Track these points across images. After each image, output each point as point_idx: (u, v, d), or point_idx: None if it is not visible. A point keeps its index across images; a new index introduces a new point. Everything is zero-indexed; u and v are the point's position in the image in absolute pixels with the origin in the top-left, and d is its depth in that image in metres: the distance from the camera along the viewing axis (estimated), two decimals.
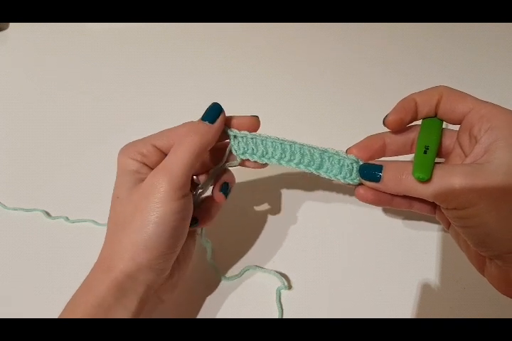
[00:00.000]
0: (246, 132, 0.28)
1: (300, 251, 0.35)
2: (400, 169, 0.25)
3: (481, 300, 0.31)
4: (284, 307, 0.32)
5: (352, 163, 0.28)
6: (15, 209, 0.39)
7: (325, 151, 0.28)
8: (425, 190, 0.24)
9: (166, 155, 0.27)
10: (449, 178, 0.23)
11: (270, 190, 0.39)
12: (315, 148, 0.28)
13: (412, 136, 0.28)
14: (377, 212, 0.37)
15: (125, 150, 0.28)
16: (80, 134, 0.45)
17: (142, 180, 0.26)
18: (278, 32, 0.57)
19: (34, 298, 0.33)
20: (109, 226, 0.27)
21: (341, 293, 0.32)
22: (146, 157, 0.27)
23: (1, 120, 0.48)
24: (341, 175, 0.28)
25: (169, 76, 0.52)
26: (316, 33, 0.56)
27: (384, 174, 0.25)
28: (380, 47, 0.54)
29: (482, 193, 0.22)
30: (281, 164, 0.28)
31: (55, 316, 0.25)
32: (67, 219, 0.38)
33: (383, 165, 0.26)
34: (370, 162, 0.27)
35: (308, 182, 0.39)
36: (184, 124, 0.28)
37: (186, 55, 0.54)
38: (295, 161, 0.28)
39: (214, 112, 0.27)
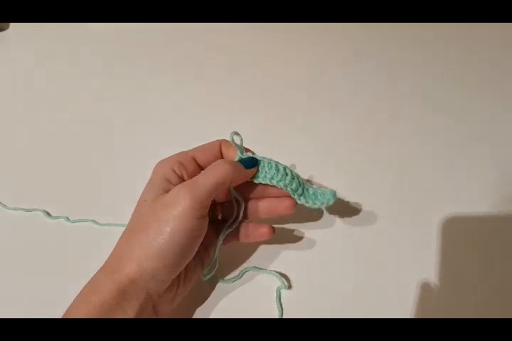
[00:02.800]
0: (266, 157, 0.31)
1: (299, 251, 0.35)
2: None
3: (480, 300, 0.31)
4: (284, 307, 0.32)
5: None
6: (15, 209, 0.39)
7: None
8: None
9: (200, 168, 0.30)
10: None
11: None
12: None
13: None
14: (377, 211, 0.37)
15: (165, 161, 0.30)
16: (81, 134, 0.45)
17: (169, 190, 0.27)
18: (286, 33, 0.57)
19: (34, 297, 0.33)
20: (127, 228, 0.28)
21: (341, 293, 0.32)
22: (184, 167, 0.29)
23: (2, 120, 0.48)
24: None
25: (172, 76, 0.51)
26: (323, 35, 0.56)
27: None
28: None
29: None
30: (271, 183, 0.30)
31: (55, 316, 0.25)
32: (67, 219, 0.38)
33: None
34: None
35: None
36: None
37: (190, 54, 0.54)
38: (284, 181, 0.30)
39: (251, 163, 0.30)
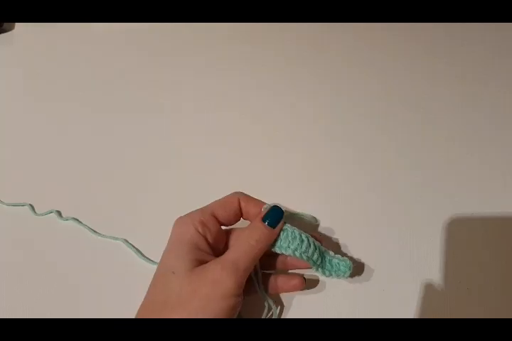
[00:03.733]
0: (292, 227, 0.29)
1: None
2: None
3: (484, 301, 0.31)
4: (284, 307, 0.32)
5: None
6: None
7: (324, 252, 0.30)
8: None
9: (220, 225, 0.29)
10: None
11: None
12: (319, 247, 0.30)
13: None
14: (379, 211, 0.36)
15: (184, 219, 0.29)
16: (81, 134, 0.46)
17: (201, 261, 0.27)
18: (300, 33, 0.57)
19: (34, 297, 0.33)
20: (151, 300, 0.26)
21: (344, 293, 0.32)
22: (208, 228, 0.28)
23: (6, 120, 0.48)
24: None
25: (177, 76, 0.52)
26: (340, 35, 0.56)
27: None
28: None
29: None
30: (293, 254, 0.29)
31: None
32: (58, 214, 0.38)
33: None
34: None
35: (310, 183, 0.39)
36: (254, 227, 0.28)
37: (194, 54, 0.54)
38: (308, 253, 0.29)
39: (276, 217, 0.28)
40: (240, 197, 0.30)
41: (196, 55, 0.54)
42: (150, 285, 0.27)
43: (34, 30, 0.59)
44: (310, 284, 0.33)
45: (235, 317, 0.27)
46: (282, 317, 0.31)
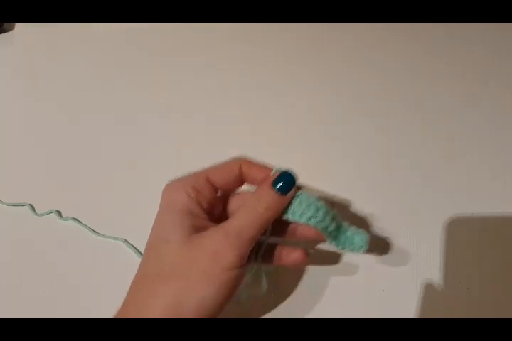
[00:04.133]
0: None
1: None
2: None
3: (484, 301, 0.31)
4: (284, 307, 0.31)
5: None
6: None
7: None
8: None
9: (216, 191, 0.26)
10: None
11: None
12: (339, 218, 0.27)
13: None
14: (380, 211, 0.36)
15: (175, 184, 0.26)
16: (81, 134, 0.45)
17: (197, 228, 0.24)
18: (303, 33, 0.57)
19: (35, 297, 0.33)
20: (144, 272, 0.24)
21: (344, 292, 0.32)
22: (200, 193, 0.25)
23: (6, 120, 0.48)
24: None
25: (177, 76, 0.52)
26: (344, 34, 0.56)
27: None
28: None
29: None
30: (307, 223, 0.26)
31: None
32: (58, 214, 0.38)
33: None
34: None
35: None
36: (263, 192, 0.25)
37: (194, 54, 0.54)
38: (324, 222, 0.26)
39: (288, 182, 0.25)
40: (242, 162, 0.27)
41: (196, 55, 0.54)
42: (142, 258, 0.25)
43: (34, 30, 0.59)
44: (309, 283, 0.33)
45: (236, 289, 0.24)
46: (282, 317, 0.31)
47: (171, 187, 0.26)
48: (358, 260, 0.34)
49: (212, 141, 0.44)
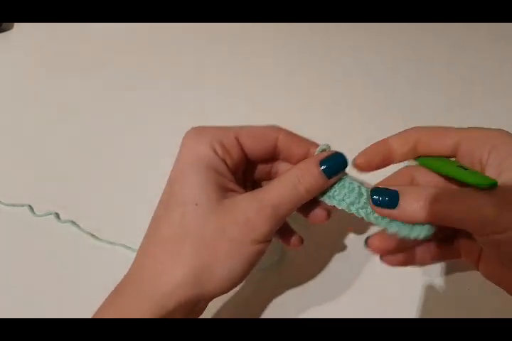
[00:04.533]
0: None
1: (301, 250, 0.34)
2: (419, 193, 0.21)
3: (485, 301, 0.31)
4: (284, 307, 0.31)
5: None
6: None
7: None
8: (452, 216, 0.20)
9: (244, 154, 0.24)
10: (476, 200, 0.20)
11: None
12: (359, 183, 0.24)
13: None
14: None
15: (200, 134, 0.23)
16: (81, 135, 0.45)
17: (225, 189, 0.22)
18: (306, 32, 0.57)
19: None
20: (166, 235, 0.22)
21: (344, 292, 0.32)
22: (229, 153, 0.23)
23: (6, 120, 0.48)
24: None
25: (177, 76, 0.51)
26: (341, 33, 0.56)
27: (401, 200, 0.22)
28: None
29: None
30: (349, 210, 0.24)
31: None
32: (56, 216, 0.38)
33: (399, 190, 0.22)
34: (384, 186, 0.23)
35: None
36: (308, 170, 0.23)
37: (194, 54, 0.54)
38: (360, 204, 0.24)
39: (337, 166, 0.23)
40: (281, 132, 0.24)
41: (196, 55, 0.54)
42: (154, 219, 0.23)
43: (34, 30, 0.59)
44: (309, 284, 0.33)
45: (260, 258, 0.23)
46: (281, 317, 0.31)
47: (194, 137, 0.23)
48: (357, 260, 0.34)
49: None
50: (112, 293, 0.22)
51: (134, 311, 0.21)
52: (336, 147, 0.25)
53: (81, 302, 0.32)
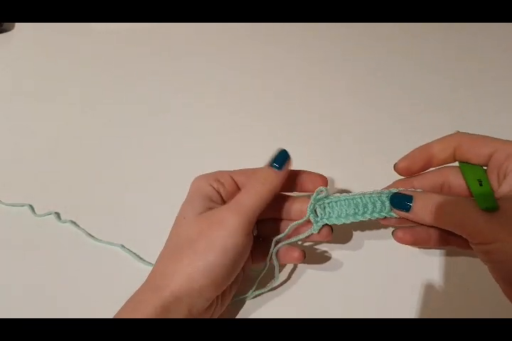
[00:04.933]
0: (337, 195, 0.29)
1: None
2: (429, 200, 0.26)
3: (485, 301, 0.31)
4: (284, 307, 0.31)
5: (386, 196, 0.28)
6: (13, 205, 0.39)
7: (387, 193, 0.28)
8: (451, 223, 0.25)
9: (238, 187, 0.30)
10: (472, 212, 0.24)
11: None
12: (377, 194, 0.28)
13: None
14: None
15: (203, 176, 0.30)
16: (81, 135, 0.45)
17: (212, 208, 0.28)
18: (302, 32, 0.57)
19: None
20: (167, 246, 0.28)
21: (344, 293, 0.32)
22: (222, 185, 0.29)
23: (6, 120, 0.48)
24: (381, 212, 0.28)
25: (177, 76, 0.52)
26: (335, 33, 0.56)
27: (414, 204, 0.26)
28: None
29: (506, 229, 0.23)
30: (357, 219, 0.28)
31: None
32: (57, 216, 0.38)
33: (413, 195, 0.27)
34: (401, 191, 0.28)
35: None
36: (261, 170, 0.28)
37: (194, 54, 0.54)
38: (368, 212, 0.28)
39: (281, 159, 0.28)
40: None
41: (196, 55, 0.54)
42: (169, 235, 0.28)
43: (34, 30, 0.59)
44: (309, 283, 0.33)
45: (245, 257, 0.27)
46: (281, 317, 0.31)
47: (198, 178, 0.30)
48: (358, 260, 0.34)
49: (212, 148, 0.43)
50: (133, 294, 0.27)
51: (144, 304, 0.25)
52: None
53: (81, 302, 0.33)
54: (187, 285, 0.25)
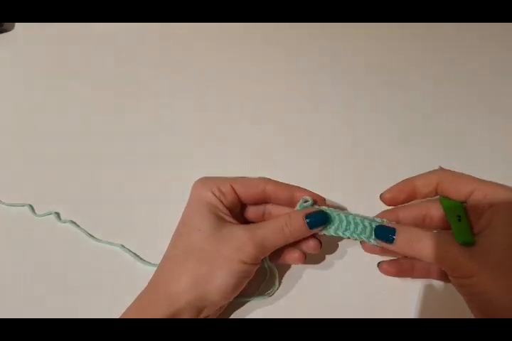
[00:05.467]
0: (339, 211, 0.30)
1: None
2: (412, 234, 0.27)
3: None
4: (284, 307, 0.31)
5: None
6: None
7: (373, 220, 0.30)
8: (432, 256, 0.26)
9: (239, 200, 0.30)
10: (452, 247, 0.26)
11: None
12: (364, 218, 0.30)
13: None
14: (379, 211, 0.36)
15: (204, 182, 0.30)
16: (81, 135, 0.45)
17: (222, 218, 0.29)
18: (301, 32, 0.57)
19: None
20: (177, 253, 0.28)
21: (344, 292, 0.32)
22: (224, 195, 0.29)
23: (6, 120, 0.48)
24: (367, 236, 0.29)
25: (177, 76, 0.51)
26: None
27: (397, 237, 0.28)
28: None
29: (482, 264, 0.25)
30: (336, 234, 0.30)
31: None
32: (57, 216, 0.38)
33: (396, 229, 0.28)
34: (385, 224, 0.29)
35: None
36: (297, 217, 0.29)
37: (195, 54, 0.54)
38: (349, 231, 0.29)
39: (319, 222, 0.29)
40: (268, 183, 0.30)
41: (196, 55, 0.54)
42: (171, 242, 0.29)
43: (34, 30, 0.59)
44: (310, 283, 0.33)
45: (245, 282, 0.29)
46: (281, 317, 0.31)
47: (200, 184, 0.30)
48: (358, 260, 0.34)
49: (212, 149, 0.43)
50: (136, 298, 0.28)
51: (149, 309, 0.26)
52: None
53: (81, 301, 0.33)
54: (194, 295, 0.26)
